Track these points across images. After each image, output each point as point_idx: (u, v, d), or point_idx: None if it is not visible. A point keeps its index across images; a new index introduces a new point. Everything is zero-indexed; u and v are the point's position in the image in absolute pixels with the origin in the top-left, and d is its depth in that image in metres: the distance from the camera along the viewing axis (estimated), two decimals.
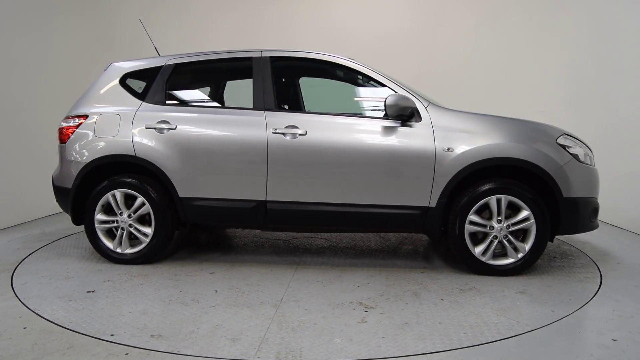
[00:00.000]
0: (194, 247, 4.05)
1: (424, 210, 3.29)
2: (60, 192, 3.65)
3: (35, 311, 2.65)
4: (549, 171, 3.19)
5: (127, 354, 2.14)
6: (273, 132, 3.35)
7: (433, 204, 3.28)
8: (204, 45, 5.25)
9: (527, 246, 3.25)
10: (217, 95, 4.12)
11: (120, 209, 3.50)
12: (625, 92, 4.73)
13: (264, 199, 3.40)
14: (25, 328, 2.42)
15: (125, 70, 3.69)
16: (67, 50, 5.84)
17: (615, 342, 2.27)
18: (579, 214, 3.28)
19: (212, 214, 3.47)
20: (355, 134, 3.32)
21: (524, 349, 2.20)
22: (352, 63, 3.48)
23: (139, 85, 3.66)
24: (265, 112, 3.42)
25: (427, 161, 3.24)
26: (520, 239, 3.28)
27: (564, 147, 3.25)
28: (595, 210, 3.40)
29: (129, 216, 3.50)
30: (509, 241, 3.25)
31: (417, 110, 3.31)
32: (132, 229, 3.51)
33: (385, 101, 3.17)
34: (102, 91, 3.66)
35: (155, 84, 3.61)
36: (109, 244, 3.55)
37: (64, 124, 3.63)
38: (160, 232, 3.49)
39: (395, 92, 3.35)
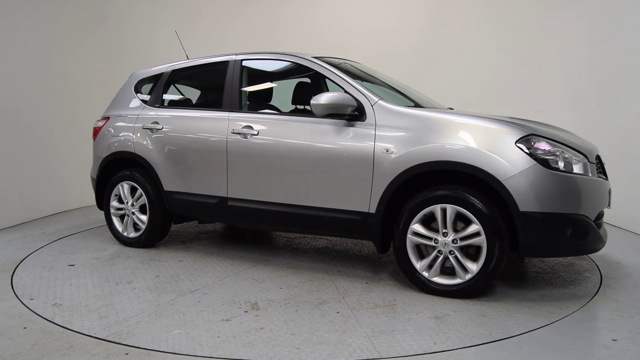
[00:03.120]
0: (209, 239, 4.42)
1: (364, 215, 3.06)
2: (92, 181, 4.40)
3: (36, 311, 2.67)
4: (499, 178, 2.66)
5: (127, 354, 2.15)
6: (232, 132, 3.50)
7: (372, 210, 3.03)
8: (209, 47, 5.38)
9: (476, 266, 2.77)
10: (209, 97, 4.37)
11: (126, 199, 4.07)
12: (627, 92, 4.63)
13: (226, 196, 3.57)
14: (25, 328, 2.44)
15: (139, 77, 4.26)
16: (67, 54, 5.85)
17: (615, 342, 2.24)
18: (546, 233, 2.65)
19: (188, 207, 3.78)
20: (302, 134, 3.25)
21: (524, 349, 2.17)
22: (307, 61, 3.42)
23: (148, 90, 4.19)
24: (230, 112, 3.59)
25: (366, 163, 3.01)
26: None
27: (526, 150, 2.66)
28: (579, 230, 2.69)
29: (132, 205, 4.04)
30: (457, 258, 2.81)
31: (362, 109, 3.09)
32: (134, 217, 4.05)
33: (310, 101, 3.05)
34: (121, 96, 4.29)
35: (155, 89, 4.09)
36: (119, 227, 4.15)
37: (97, 124, 4.36)
38: (153, 221, 3.94)
39: (346, 90, 3.18)
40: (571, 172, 2.70)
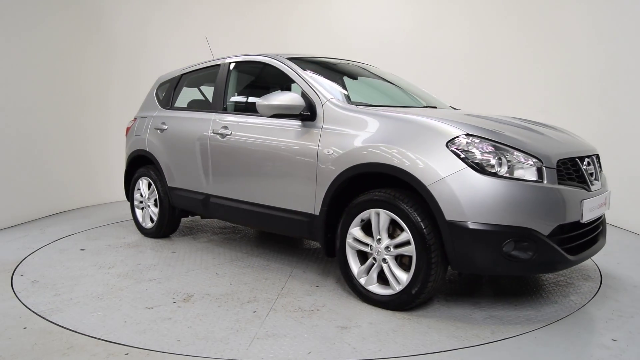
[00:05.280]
0: (224, 233, 4.66)
1: (311, 217, 3.01)
2: None
3: (36, 311, 2.68)
4: (424, 183, 2.43)
5: (127, 354, 2.15)
6: (213, 132, 3.67)
7: (317, 212, 2.96)
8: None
9: (406, 277, 2.56)
10: (207, 99, 4.48)
11: (144, 193, 4.47)
12: (627, 92, 4.62)
13: (209, 193, 3.75)
14: (25, 328, 2.42)
15: (160, 81, 4.65)
16: (66, 60, 5.78)
17: (615, 342, 2.25)
18: (477, 246, 2.35)
19: (185, 202, 4.04)
20: (263, 135, 3.29)
21: (524, 349, 2.18)
22: (273, 60, 3.44)
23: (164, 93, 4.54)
24: (214, 113, 3.76)
25: (311, 165, 2.96)
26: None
27: (457, 152, 2.39)
28: (521, 245, 2.33)
29: (148, 199, 4.44)
30: (390, 267, 2.63)
31: (314, 108, 3.03)
32: (149, 210, 4.44)
33: (256, 102, 3.07)
34: (146, 99, 4.72)
35: (167, 91, 4.43)
36: (140, 218, 4.57)
37: (128, 124, 4.84)
38: (162, 214, 4.28)
39: (303, 90, 3.15)
40: (515, 178, 2.36)
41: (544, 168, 2.40)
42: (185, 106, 4.24)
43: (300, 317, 2.57)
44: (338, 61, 3.94)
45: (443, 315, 2.58)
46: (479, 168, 2.35)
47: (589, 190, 2.61)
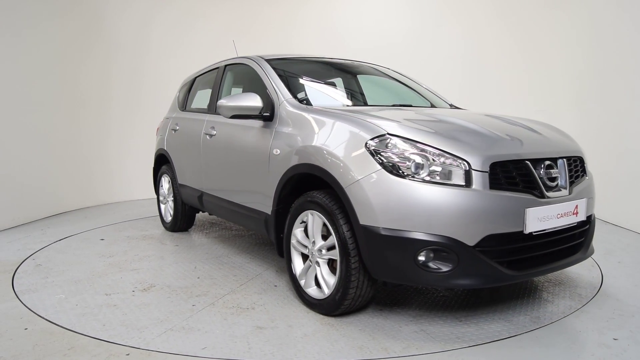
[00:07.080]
0: (238, 230, 4.84)
1: (266, 217, 3.03)
2: None
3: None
4: (342, 184, 2.34)
5: (128, 354, 2.16)
6: (204, 133, 3.84)
7: (269, 212, 2.98)
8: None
9: (333, 282, 2.49)
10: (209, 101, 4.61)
11: (163, 189, 4.81)
12: (626, 91, 4.58)
13: (203, 190, 3.94)
14: (26, 329, 2.43)
15: (182, 84, 4.94)
16: (67, 61, 5.80)
17: (616, 341, 2.26)
18: (390, 254, 2.21)
19: (189, 199, 4.27)
20: (238, 135, 3.37)
21: (524, 349, 2.20)
22: (250, 61, 3.51)
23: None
24: (208, 115, 3.93)
25: (264, 165, 2.98)
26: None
27: (375, 153, 2.27)
28: (438, 255, 2.15)
29: (168, 195, 4.76)
30: (321, 271, 2.58)
31: (273, 109, 3.05)
32: (168, 205, 4.76)
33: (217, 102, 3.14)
34: (173, 101, 5.04)
35: (184, 94, 4.70)
36: (163, 213, 4.92)
37: (159, 125, 5.21)
38: (176, 209, 4.58)
39: (268, 90, 3.18)
40: (435, 181, 2.17)
41: (473, 171, 2.18)
42: (198, 108, 4.46)
43: (230, 314, 2.61)
44: (329, 60, 3.86)
45: (370, 325, 2.45)
46: (395, 170, 2.20)
47: (540, 197, 2.30)
